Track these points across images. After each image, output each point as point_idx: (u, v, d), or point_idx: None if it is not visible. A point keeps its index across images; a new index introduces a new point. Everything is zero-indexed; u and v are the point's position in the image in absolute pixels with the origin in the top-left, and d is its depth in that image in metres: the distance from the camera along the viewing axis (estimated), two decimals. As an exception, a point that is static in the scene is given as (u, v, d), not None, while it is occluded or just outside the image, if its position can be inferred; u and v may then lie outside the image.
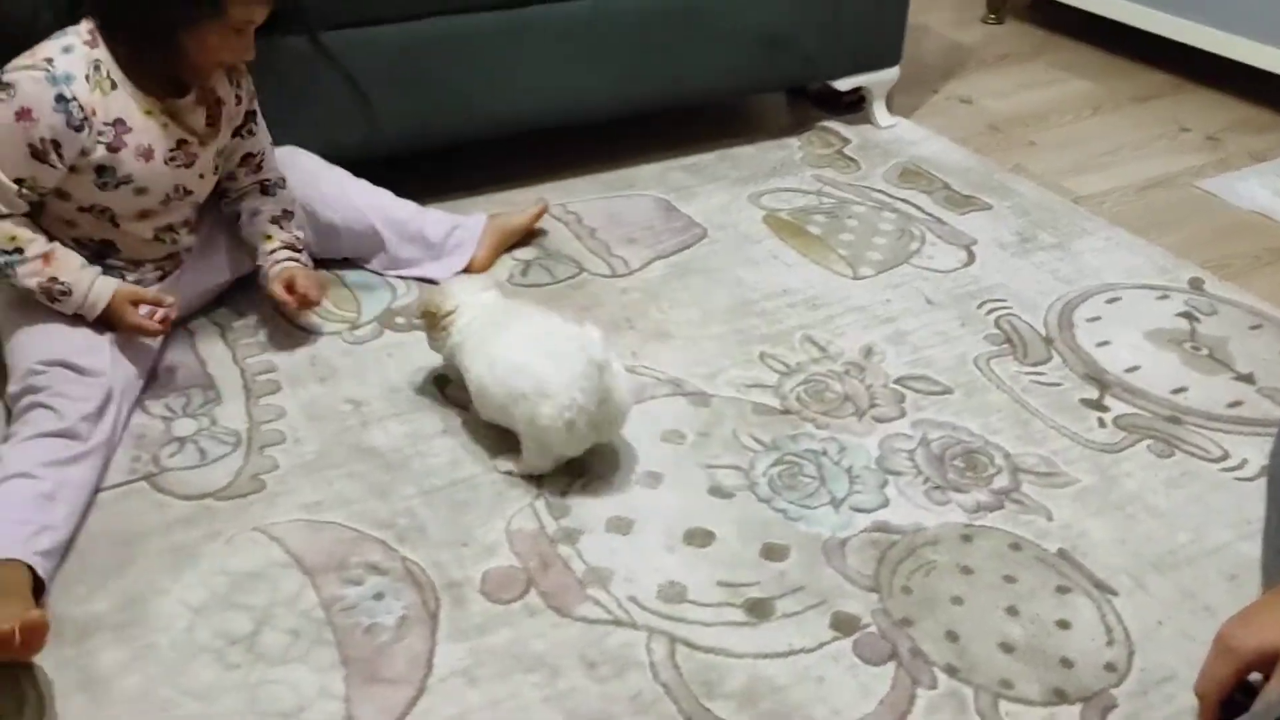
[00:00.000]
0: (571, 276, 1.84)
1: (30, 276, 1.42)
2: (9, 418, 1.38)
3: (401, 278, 1.81)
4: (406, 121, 1.90)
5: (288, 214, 1.66)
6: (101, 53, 1.40)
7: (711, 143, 2.27)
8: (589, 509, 1.37)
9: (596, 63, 2.02)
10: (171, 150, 1.47)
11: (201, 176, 1.55)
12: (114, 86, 1.41)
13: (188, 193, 1.54)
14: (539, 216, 1.90)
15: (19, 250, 1.41)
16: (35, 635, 1.11)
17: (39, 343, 1.42)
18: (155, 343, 1.55)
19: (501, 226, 1.86)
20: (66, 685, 1.13)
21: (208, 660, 1.16)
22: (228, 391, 1.55)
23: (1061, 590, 1.27)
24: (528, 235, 1.91)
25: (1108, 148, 2.33)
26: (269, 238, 1.63)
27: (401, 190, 1.82)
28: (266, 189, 1.66)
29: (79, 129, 1.38)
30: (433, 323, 1.48)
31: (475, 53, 1.92)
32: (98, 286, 1.45)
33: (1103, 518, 1.37)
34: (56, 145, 1.37)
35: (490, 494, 1.39)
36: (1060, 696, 1.15)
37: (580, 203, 2.05)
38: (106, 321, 1.46)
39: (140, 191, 1.47)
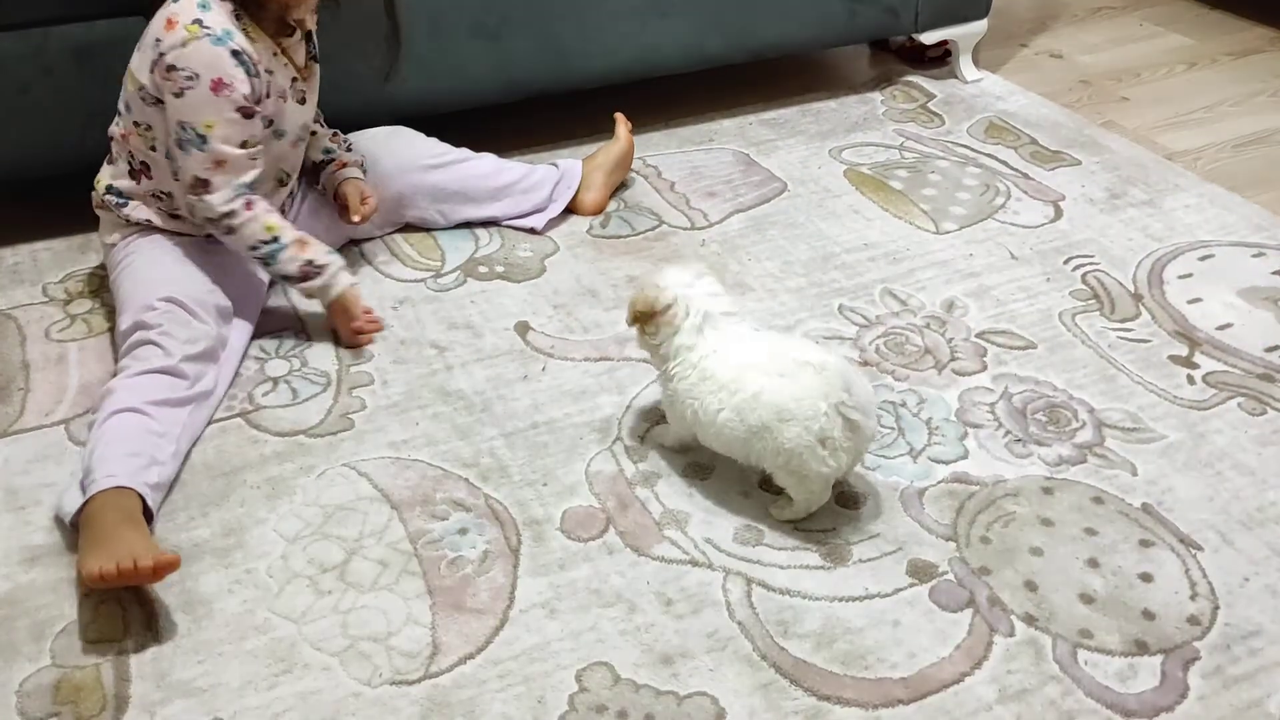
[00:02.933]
0: (651, 229, 1.85)
1: (290, 261, 1.50)
2: (117, 354, 1.44)
3: (501, 225, 1.83)
4: (487, 75, 1.92)
5: (319, 115, 1.68)
6: (230, 3, 1.43)
7: (792, 97, 2.25)
8: (667, 454, 1.39)
9: (676, 16, 2.02)
10: (291, 88, 1.53)
11: (314, 110, 1.60)
12: (256, 30, 1.45)
13: (310, 132, 1.60)
14: (628, 132, 1.91)
15: (277, 239, 1.49)
16: (166, 570, 1.16)
17: (157, 281, 1.47)
18: (261, 303, 1.60)
19: (601, 164, 1.88)
20: (171, 605, 1.19)
21: (302, 586, 1.21)
22: (318, 335, 1.59)
23: (1145, 544, 1.26)
24: (625, 167, 1.92)
25: (1203, 103, 2.26)
26: (313, 134, 1.66)
27: (480, 145, 1.84)
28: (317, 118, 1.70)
29: (257, 75, 1.43)
30: (649, 321, 1.30)
31: (556, 6, 1.93)
32: (342, 274, 1.54)
33: (1190, 474, 1.35)
34: (254, 98, 1.43)
35: (570, 437, 1.41)
36: (1141, 648, 1.14)
37: (660, 156, 2.05)
38: (331, 309, 1.55)
39: (279, 134, 1.53)
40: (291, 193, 1.66)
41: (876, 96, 2.28)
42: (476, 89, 1.92)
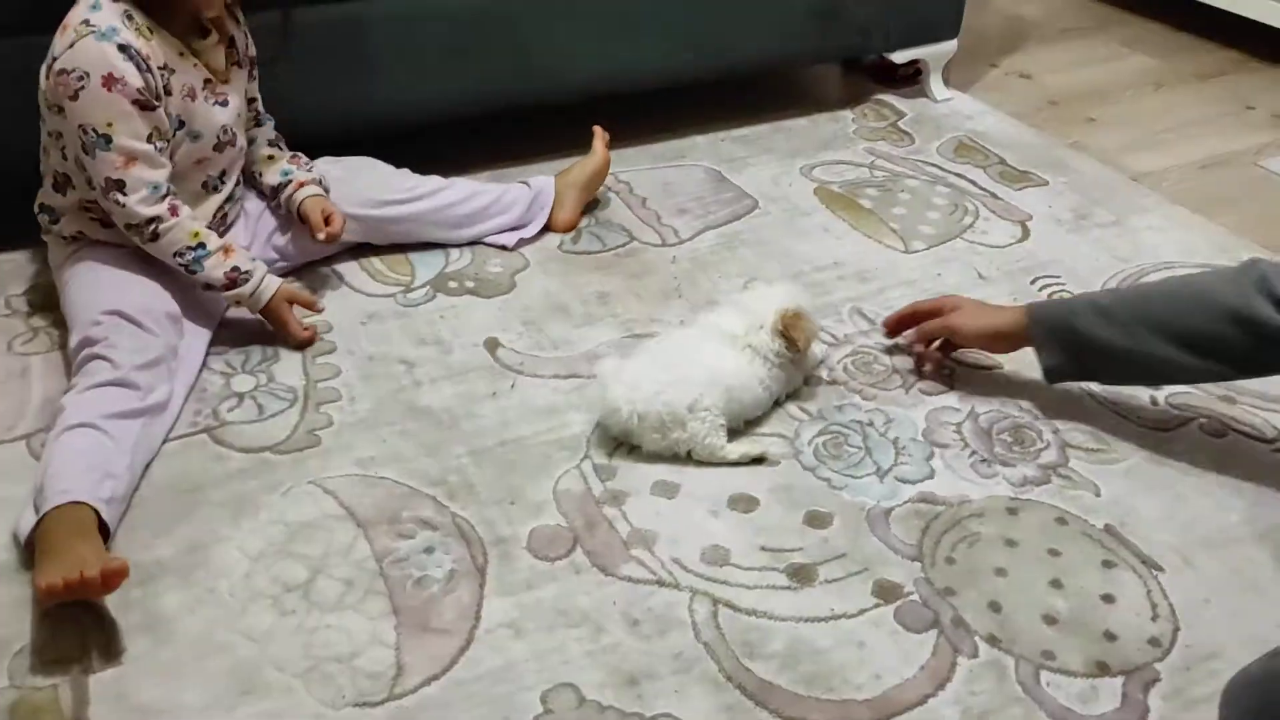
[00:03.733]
0: (622, 245, 1.85)
1: (215, 268, 1.49)
2: (69, 372, 1.43)
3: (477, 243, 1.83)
4: (459, 90, 1.92)
5: (279, 138, 1.71)
6: (124, 3, 1.42)
7: (764, 114, 2.26)
8: (635, 472, 1.39)
9: (648, 32, 2.02)
10: (204, 89, 1.51)
11: (239, 116, 1.59)
12: (151, 31, 1.44)
13: (233, 134, 1.58)
14: (605, 147, 1.90)
15: (203, 245, 1.48)
16: (116, 579, 1.14)
17: (100, 295, 1.46)
18: (218, 311, 1.59)
19: (575, 181, 1.88)
20: (130, 625, 1.17)
21: (265, 605, 1.20)
22: (285, 350, 1.58)
23: (1107, 565, 1.27)
24: (598, 183, 1.91)
25: (1169, 125, 2.29)
26: (271, 159, 1.68)
27: (452, 161, 1.84)
28: (259, 120, 1.70)
29: (149, 71, 1.42)
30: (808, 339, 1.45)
31: (528, 22, 1.93)
32: (268, 278, 1.53)
33: (1151, 495, 1.37)
34: (151, 91, 1.42)
35: (538, 455, 1.41)
36: (1102, 669, 1.15)
37: (631, 172, 2.06)
38: (265, 315, 1.55)
39: (195, 137, 1.51)
40: (231, 199, 1.63)
41: (848, 115, 2.30)
42: (448, 104, 1.92)
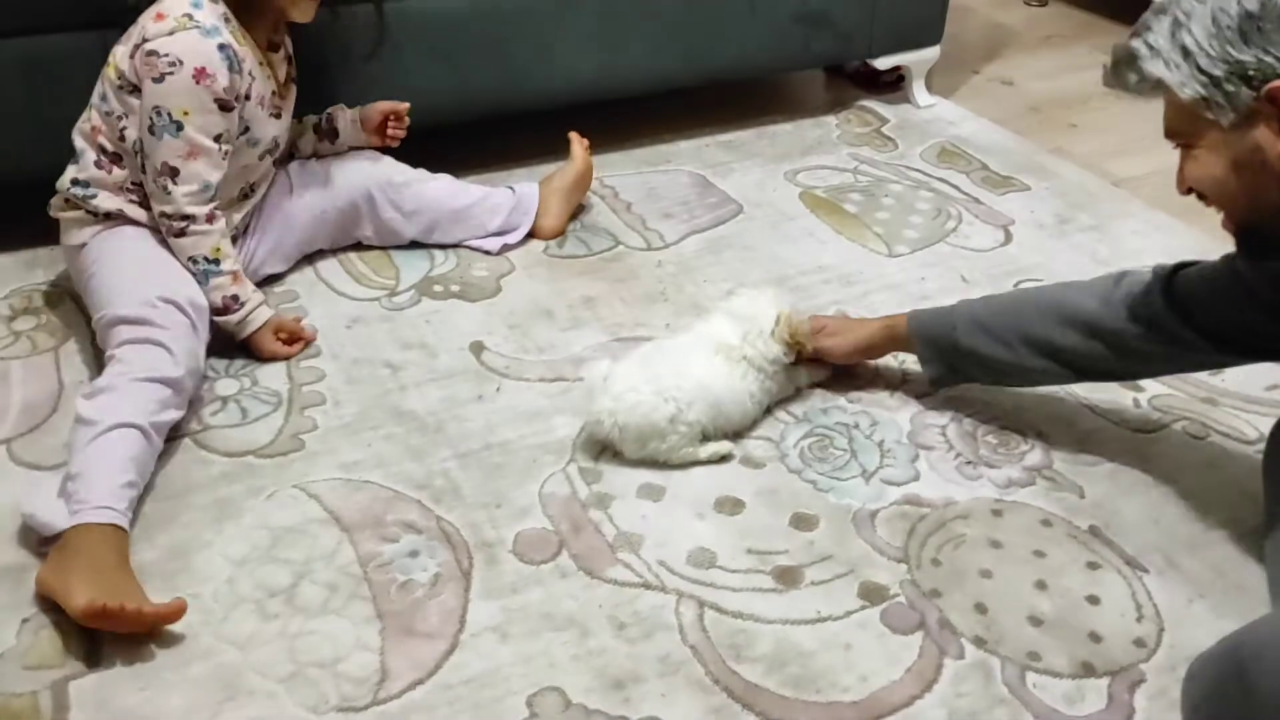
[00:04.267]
0: (608, 249, 1.85)
1: (217, 290, 1.49)
2: (107, 340, 1.39)
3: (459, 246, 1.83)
4: (445, 95, 1.92)
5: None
6: (222, 6, 1.46)
7: (749, 120, 2.27)
8: (621, 476, 1.38)
9: (634, 38, 2.03)
10: (270, 100, 1.55)
11: (285, 130, 1.63)
12: (244, 37, 1.48)
13: (278, 146, 1.61)
14: (584, 151, 1.89)
15: (218, 262, 1.48)
16: (169, 619, 1.14)
17: (150, 277, 1.44)
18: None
19: (558, 187, 1.87)
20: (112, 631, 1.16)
21: (248, 611, 1.19)
22: (269, 354, 1.58)
23: (1092, 566, 1.28)
24: (583, 189, 1.91)
25: (1149, 131, 2.27)
26: (301, 122, 1.73)
27: (437, 165, 1.84)
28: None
29: (239, 73, 1.45)
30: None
31: (514, 27, 1.93)
32: (261, 310, 1.53)
33: (1135, 497, 1.37)
34: (234, 93, 1.44)
35: (524, 459, 1.41)
36: (1088, 670, 1.16)
37: (617, 177, 2.06)
38: (245, 343, 1.54)
39: (253, 143, 1.54)
40: (257, 208, 1.66)
41: (831, 120, 2.30)
42: (433, 109, 1.91)
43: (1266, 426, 1.46)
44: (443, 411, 1.48)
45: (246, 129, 1.51)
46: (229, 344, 1.56)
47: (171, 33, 1.40)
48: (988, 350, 1.39)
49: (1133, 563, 1.28)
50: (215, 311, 1.49)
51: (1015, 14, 2.90)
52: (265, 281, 1.69)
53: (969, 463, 1.42)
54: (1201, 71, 1.03)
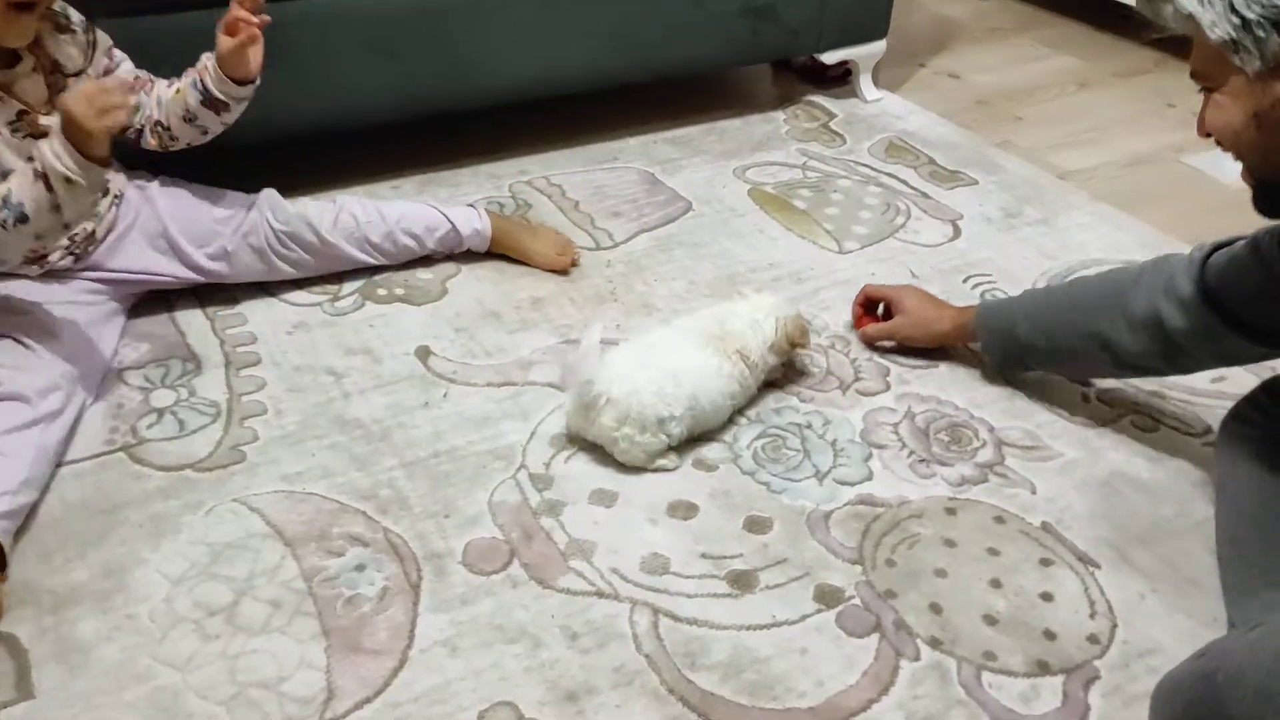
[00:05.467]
0: (555, 249, 1.82)
1: (22, 190, 1.28)
2: None
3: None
4: (384, 92, 1.87)
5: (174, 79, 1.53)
6: None
7: (697, 116, 2.25)
8: (572, 482, 1.36)
9: (578, 34, 1.99)
10: (12, 122, 1.38)
11: None
12: None
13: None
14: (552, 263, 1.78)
15: (4, 199, 1.31)
16: None
17: None
18: (116, 329, 1.52)
19: (513, 244, 1.77)
20: (43, 654, 1.12)
21: (187, 630, 1.15)
22: (207, 363, 1.53)
23: (1045, 563, 1.27)
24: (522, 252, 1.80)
25: (1094, 123, 2.33)
26: (179, 91, 1.50)
27: (385, 163, 1.80)
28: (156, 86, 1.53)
29: None
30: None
31: (456, 22, 1.89)
32: (43, 145, 1.28)
33: (1086, 491, 1.38)
34: None
35: (473, 466, 1.38)
36: (1043, 668, 1.15)
37: (563, 175, 2.03)
38: (66, 129, 1.27)
39: (3, 175, 1.36)
40: (92, 238, 1.50)
41: (779, 115, 2.29)
42: (373, 107, 1.87)
43: (1213, 419, 1.48)
44: (388, 419, 1.45)
45: None
46: (163, 350, 1.51)
47: None
48: (1044, 345, 1.44)
49: (1085, 558, 1.28)
50: (44, 187, 1.28)
51: (961, 7, 2.91)
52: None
53: (922, 460, 1.41)
54: (1234, 12, 0.97)
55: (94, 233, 1.51)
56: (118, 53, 1.52)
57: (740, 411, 1.47)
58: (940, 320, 1.56)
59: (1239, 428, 1.31)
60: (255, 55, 1.47)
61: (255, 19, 1.44)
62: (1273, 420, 1.29)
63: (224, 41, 1.44)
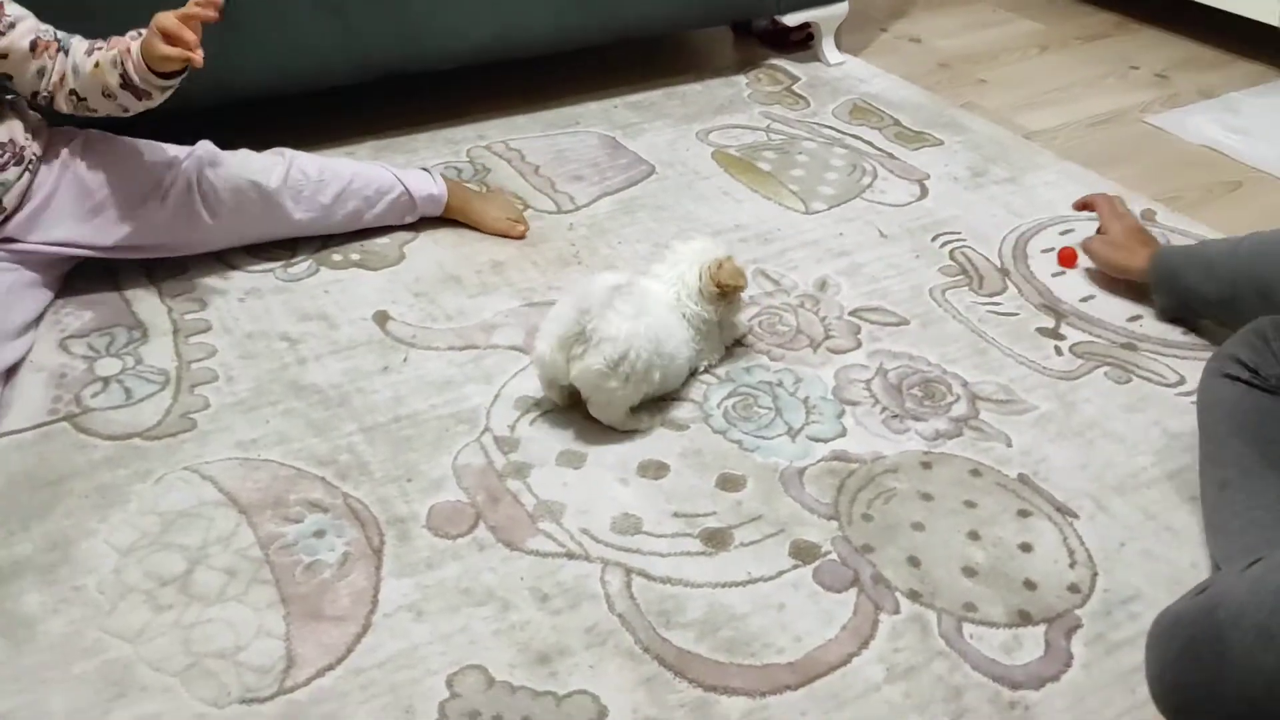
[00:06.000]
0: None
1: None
2: None
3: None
4: (334, 54, 1.81)
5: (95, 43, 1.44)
6: None
7: (657, 80, 2.21)
8: (539, 443, 1.32)
9: (537, -5, 1.95)
10: None
11: None
12: None
13: None
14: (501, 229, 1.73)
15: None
16: None
17: None
18: (35, 299, 1.45)
19: (464, 208, 1.73)
20: (-16, 631, 1.06)
21: (138, 601, 1.10)
22: (154, 330, 1.47)
23: (1023, 514, 1.25)
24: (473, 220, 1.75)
25: (1057, 85, 2.31)
26: (98, 65, 1.40)
27: (339, 128, 1.74)
28: (63, 48, 1.42)
29: None
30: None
31: (412, -17, 1.83)
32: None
33: (1062, 443, 1.36)
34: None
35: (435, 430, 1.33)
36: (1024, 618, 1.13)
37: (523, 140, 1.98)
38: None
39: None
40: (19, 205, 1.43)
41: (741, 79, 2.26)
42: (323, 69, 1.81)
43: (1186, 369, 1.47)
44: (346, 384, 1.40)
45: None
46: (108, 318, 1.45)
47: None
48: (1209, 290, 1.46)
49: (1063, 509, 1.26)
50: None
51: (919, -26, 2.89)
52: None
53: (895, 416, 1.39)
54: None
55: (1, 203, 1.41)
56: (14, 8, 1.40)
57: (709, 369, 1.44)
58: (1133, 256, 1.58)
59: (1224, 371, 1.29)
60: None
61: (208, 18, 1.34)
62: (1258, 367, 1.28)
63: (158, 46, 1.34)
